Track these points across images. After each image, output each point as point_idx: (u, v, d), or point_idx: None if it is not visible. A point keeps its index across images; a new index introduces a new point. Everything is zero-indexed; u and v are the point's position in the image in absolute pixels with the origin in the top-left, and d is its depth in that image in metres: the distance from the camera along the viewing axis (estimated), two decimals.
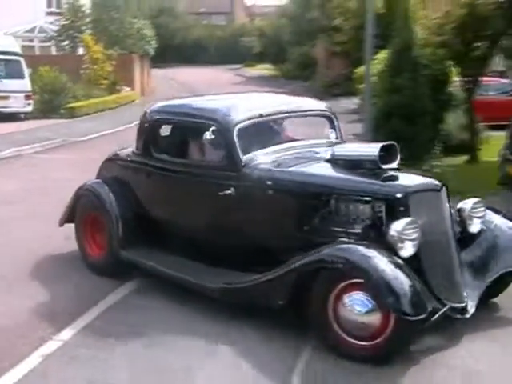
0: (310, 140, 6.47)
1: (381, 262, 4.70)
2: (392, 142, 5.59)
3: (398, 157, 5.50)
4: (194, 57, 58.70)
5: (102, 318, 5.58)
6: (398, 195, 5.12)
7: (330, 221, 5.39)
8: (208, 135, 5.79)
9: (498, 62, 24.48)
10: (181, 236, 6.27)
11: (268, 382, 4.53)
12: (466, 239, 5.46)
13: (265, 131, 6.31)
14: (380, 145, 5.44)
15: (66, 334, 5.21)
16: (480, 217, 5.57)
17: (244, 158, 5.72)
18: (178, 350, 4.95)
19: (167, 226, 6.43)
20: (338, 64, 31.88)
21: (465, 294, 5.02)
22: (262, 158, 5.80)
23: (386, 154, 5.37)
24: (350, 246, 5.00)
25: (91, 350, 4.92)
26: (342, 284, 4.83)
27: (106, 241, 6.60)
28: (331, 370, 4.68)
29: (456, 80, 12.74)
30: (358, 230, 5.26)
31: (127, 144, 7.10)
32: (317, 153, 6.08)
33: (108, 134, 18.43)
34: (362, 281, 4.71)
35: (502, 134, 10.15)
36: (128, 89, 28.86)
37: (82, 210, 6.94)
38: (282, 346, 4.98)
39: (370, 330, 4.77)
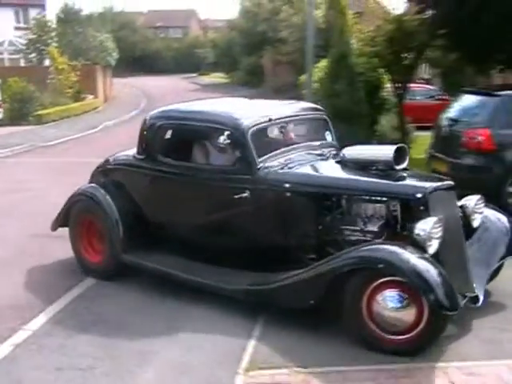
0: (311, 142, 6.13)
1: (419, 260, 4.55)
2: (402, 144, 5.48)
3: (407, 158, 5.39)
4: (154, 67, 58.69)
5: (69, 307, 5.48)
6: (419, 195, 4.95)
7: (347, 220, 5.23)
8: (223, 139, 5.45)
9: (424, 71, 25.09)
10: (189, 239, 5.82)
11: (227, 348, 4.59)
12: (468, 233, 5.34)
13: (273, 135, 6.03)
14: (394, 147, 5.27)
15: (35, 323, 5.11)
16: (481, 212, 5.52)
17: (258, 160, 5.40)
18: (140, 335, 4.89)
19: (173, 229, 5.99)
20: (284, 72, 32.10)
21: (475, 284, 4.94)
22: (275, 161, 5.50)
23: (397, 156, 5.23)
24: (386, 246, 4.80)
25: (59, 338, 4.83)
26: (377, 282, 4.64)
27: (105, 245, 6.10)
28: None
29: (388, 86, 12.91)
30: (376, 228, 5.08)
31: (92, 148, 7.03)
32: (323, 154, 5.89)
33: (73, 138, 18.23)
34: (396, 278, 4.55)
35: (428, 133, 10.30)
36: (91, 97, 28.55)
37: (77, 215, 6.34)
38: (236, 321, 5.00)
39: (404, 325, 4.61)
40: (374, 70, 12.26)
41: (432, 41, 12.48)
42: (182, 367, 4.41)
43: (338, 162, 5.65)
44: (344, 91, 10.83)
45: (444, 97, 17.78)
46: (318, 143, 6.11)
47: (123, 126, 20.83)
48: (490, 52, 11.26)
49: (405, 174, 5.35)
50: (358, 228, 5.18)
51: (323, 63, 13.22)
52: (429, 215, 4.86)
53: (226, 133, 5.46)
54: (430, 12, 12.56)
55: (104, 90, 32.15)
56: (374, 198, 5.17)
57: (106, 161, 6.70)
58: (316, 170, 5.61)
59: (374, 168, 5.36)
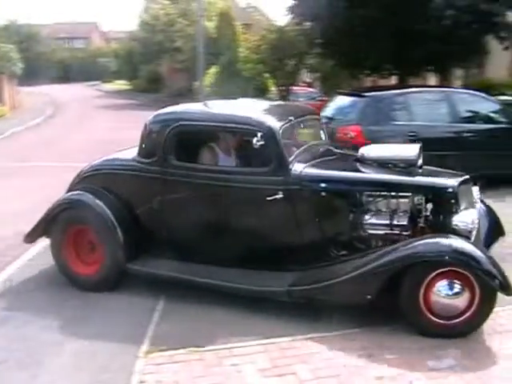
0: (313, 142, 5.81)
1: (476, 250, 4.50)
2: (415, 145, 5.31)
3: (421, 156, 5.25)
4: (59, 75, 57.21)
5: None
6: (450, 189, 4.92)
7: (377, 216, 5.01)
8: (256, 140, 4.92)
9: (306, 75, 25.62)
10: (207, 243, 5.24)
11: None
12: None
13: (290, 135, 5.49)
14: (417, 145, 5.23)
15: None
16: (479, 201, 5.56)
17: (289, 161, 5.01)
18: (49, 327, 4.72)
19: (187, 234, 5.32)
20: (180, 78, 32.01)
21: None
22: (300, 161, 5.11)
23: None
24: (442, 238, 4.64)
25: None
26: (435, 273, 4.49)
27: (100, 256, 5.36)
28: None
29: (273, 89, 13.11)
30: (406, 222, 4.91)
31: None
32: (335, 153, 5.75)
33: None
34: (451, 269, 4.46)
35: None
36: None
37: (65, 225, 5.48)
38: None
39: (457, 310, 4.51)
40: (260, 74, 12.44)
41: (311, 49, 12.83)
42: (86, 355, 4.29)
43: (357, 161, 5.43)
44: (233, 94, 10.85)
45: (324, 98, 18.15)
46: (317, 142, 5.87)
47: (31, 132, 19.98)
48: (358, 59, 11.69)
49: (430, 170, 5.33)
50: (386, 223, 4.98)
51: (213, 69, 13.26)
52: (459, 207, 4.88)
53: (259, 134, 4.96)
54: (308, 24, 12.89)
55: (10, 98, 30.73)
56: (403, 193, 5.01)
57: (94, 166, 5.84)
58: (344, 169, 5.38)
59: (395, 166, 5.25)
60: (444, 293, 4.50)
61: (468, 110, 9.35)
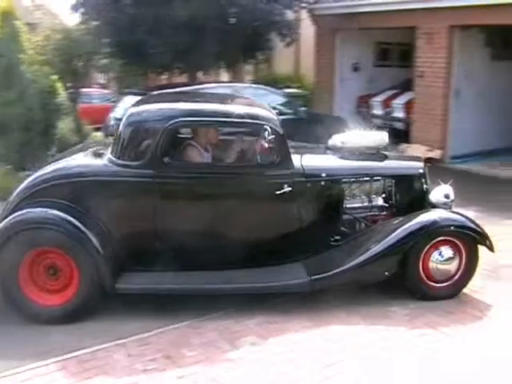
0: None
1: (467, 219, 5.21)
2: (384, 132, 5.89)
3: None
4: None
5: None
6: (421, 170, 5.63)
7: (361, 200, 5.57)
8: (268, 134, 4.87)
9: (101, 76, 24.94)
10: (212, 247, 4.94)
11: None
12: None
13: None
14: (384, 132, 5.84)
15: None
16: None
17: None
18: None
19: (181, 240, 4.91)
20: None
21: None
22: (294, 154, 5.18)
23: None
24: (437, 212, 5.23)
25: None
26: (433, 242, 5.07)
27: (75, 281, 4.68)
28: None
29: (63, 92, 12.49)
30: (384, 203, 5.63)
31: None
32: (306, 146, 6.07)
33: None
34: (444, 238, 5.08)
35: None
36: None
37: (22, 249, 4.63)
38: None
39: (449, 273, 5.17)
40: (47, 77, 11.78)
41: (99, 49, 12.44)
42: None
43: (329, 150, 5.81)
44: (17, 99, 10.14)
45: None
46: None
47: None
48: (146, 57, 11.62)
49: (397, 156, 6.18)
50: (368, 205, 5.56)
51: None
52: (427, 185, 5.58)
53: (269, 128, 4.92)
54: (95, 22, 12.53)
55: None
56: (386, 178, 5.62)
57: (48, 176, 4.97)
58: (331, 159, 5.66)
59: (369, 153, 5.73)
60: (440, 259, 5.14)
61: None
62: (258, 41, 13.48)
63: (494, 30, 11.98)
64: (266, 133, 4.91)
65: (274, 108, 9.92)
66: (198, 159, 5.23)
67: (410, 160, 6.13)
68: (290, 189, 4.99)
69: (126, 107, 9.13)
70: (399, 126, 13.23)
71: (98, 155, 5.24)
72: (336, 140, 5.80)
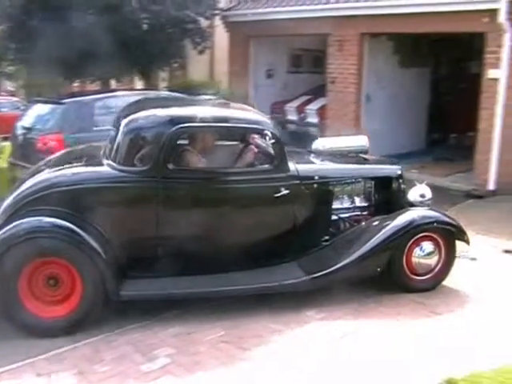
0: None
1: (446, 216, 5.66)
2: (364, 136, 6.35)
3: None
4: None
5: None
6: (399, 172, 6.05)
7: (346, 201, 5.90)
8: (268, 138, 5.12)
9: (11, 84, 24.06)
10: (213, 251, 5.04)
11: None
12: None
13: None
14: (365, 137, 6.29)
15: None
16: None
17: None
18: None
19: (185, 244, 4.95)
20: None
21: None
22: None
23: None
24: (419, 210, 5.59)
25: None
26: (415, 238, 5.39)
27: (78, 290, 4.60)
28: None
29: None
30: (367, 203, 5.96)
31: None
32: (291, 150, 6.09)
33: None
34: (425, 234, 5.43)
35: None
36: None
37: (23, 259, 4.48)
38: None
39: (429, 267, 5.53)
40: None
41: (5, 55, 11.98)
42: None
43: (313, 154, 6.13)
44: None
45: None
46: None
47: None
48: (53, 64, 11.31)
49: (376, 159, 6.51)
50: (351, 206, 5.90)
51: None
52: (404, 186, 5.97)
53: (269, 133, 5.14)
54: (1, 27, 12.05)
55: None
56: (366, 179, 5.97)
57: (45, 184, 4.82)
58: (320, 162, 6.00)
59: (351, 156, 6.19)
60: (422, 254, 5.49)
61: None
62: (172, 48, 13.39)
63: (402, 38, 12.46)
64: (267, 137, 5.14)
65: None
66: (196, 165, 5.24)
67: (387, 163, 6.51)
68: (287, 191, 5.19)
69: (38, 115, 8.98)
70: (313, 131, 13.47)
71: (94, 162, 5.19)
72: (319, 144, 6.19)
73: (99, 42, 11.24)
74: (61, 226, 4.59)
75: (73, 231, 4.59)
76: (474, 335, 4.82)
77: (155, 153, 4.85)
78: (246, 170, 5.35)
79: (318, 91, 13.59)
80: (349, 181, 5.88)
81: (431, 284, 5.62)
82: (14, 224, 4.57)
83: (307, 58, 15.64)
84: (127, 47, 11.57)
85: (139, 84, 17.29)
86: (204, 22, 14.03)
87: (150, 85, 16.09)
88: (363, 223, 5.72)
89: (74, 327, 4.66)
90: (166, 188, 4.88)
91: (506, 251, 6.73)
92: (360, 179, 5.95)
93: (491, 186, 10.03)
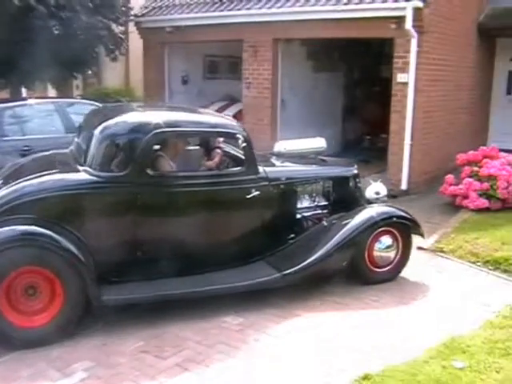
0: None
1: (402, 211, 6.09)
2: (321, 138, 6.80)
3: None
4: None
5: None
6: (355, 171, 6.55)
7: (308, 200, 6.18)
8: (241, 142, 5.40)
9: None
10: (190, 253, 5.20)
11: None
12: None
13: None
14: (321, 139, 6.76)
15: None
16: None
17: None
18: None
19: (167, 247, 5.11)
20: None
21: None
22: None
23: None
24: (379, 206, 6.05)
25: None
26: (375, 232, 5.78)
27: (59, 299, 4.58)
28: None
29: None
30: (327, 202, 6.27)
31: None
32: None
33: None
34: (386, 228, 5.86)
35: None
36: None
37: (3, 270, 4.42)
38: None
39: (388, 260, 5.97)
40: None
41: None
42: None
43: (280, 157, 6.42)
44: None
45: None
46: None
47: None
48: None
49: (334, 160, 7.02)
50: (313, 205, 6.20)
51: None
52: (360, 184, 6.47)
53: (241, 137, 5.40)
54: None
55: None
56: (325, 179, 6.30)
57: (19, 193, 4.74)
58: (284, 164, 6.26)
59: (310, 157, 6.67)
60: (382, 247, 5.90)
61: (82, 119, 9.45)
62: (85, 55, 13.09)
63: (314, 43, 12.75)
64: (240, 141, 5.40)
65: None
66: (168, 169, 5.34)
67: (344, 163, 6.96)
68: (257, 192, 5.47)
69: None
70: None
71: (70, 169, 5.17)
72: (279, 146, 6.53)
73: (5, 48, 10.89)
74: (41, 234, 4.57)
75: (52, 238, 4.58)
76: (384, 331, 5.00)
77: (133, 158, 4.95)
78: (219, 173, 5.51)
79: (235, 97, 13.68)
80: (311, 181, 6.21)
81: (391, 275, 6.04)
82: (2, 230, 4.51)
83: (223, 63, 15.71)
84: (37, 54, 11.22)
85: (52, 92, 16.83)
86: (117, 29, 13.81)
87: (64, 93, 15.70)
88: (324, 221, 6.03)
89: (57, 334, 4.65)
90: (144, 193, 4.99)
91: (419, 248, 7.03)
92: (321, 179, 6.29)
93: (404, 186, 10.44)
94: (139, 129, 5.08)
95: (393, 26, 10.08)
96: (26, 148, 8.34)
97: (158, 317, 5.09)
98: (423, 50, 10.16)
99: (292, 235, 5.93)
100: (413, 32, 9.88)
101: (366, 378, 4.13)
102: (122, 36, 14.16)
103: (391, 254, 6.00)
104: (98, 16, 12.35)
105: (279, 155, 6.43)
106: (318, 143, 6.72)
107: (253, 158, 5.53)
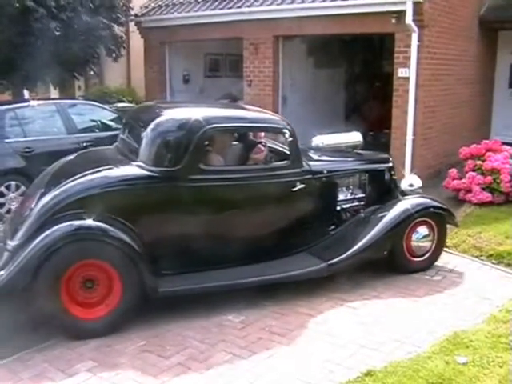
0: None
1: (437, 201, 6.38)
2: (357, 132, 6.90)
3: None
4: None
5: None
6: (390, 164, 6.69)
7: (348, 192, 6.34)
8: (287, 137, 5.56)
9: None
10: (238, 245, 5.30)
11: None
12: None
13: None
14: (359, 133, 6.81)
15: None
16: None
17: None
18: None
19: (216, 239, 5.25)
20: None
21: None
22: None
23: None
24: (416, 197, 6.29)
25: None
26: (413, 223, 5.97)
27: (116, 290, 4.75)
28: None
29: None
30: (364, 194, 6.41)
31: None
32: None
33: None
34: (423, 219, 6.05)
35: None
36: None
37: (67, 261, 4.56)
38: None
39: (425, 249, 6.16)
40: None
41: None
42: None
43: (318, 150, 6.46)
44: None
45: None
46: None
47: None
48: None
49: (370, 153, 7.03)
50: (350, 197, 6.34)
51: None
52: (395, 177, 6.66)
53: (287, 131, 5.55)
54: None
55: None
56: (363, 172, 6.45)
57: (79, 189, 4.85)
58: (324, 158, 6.30)
59: (347, 151, 6.74)
60: (419, 237, 6.09)
61: (84, 120, 9.49)
62: (86, 55, 13.09)
63: (315, 39, 12.69)
64: (287, 135, 5.57)
65: (104, 124, 9.76)
66: (217, 164, 5.62)
67: (379, 156, 7.00)
68: (302, 185, 5.60)
69: None
70: None
71: (123, 164, 5.28)
72: (318, 140, 6.59)
73: (7, 51, 10.90)
74: (98, 228, 4.69)
75: (110, 232, 4.71)
76: (388, 327, 4.98)
77: (186, 153, 5.08)
78: (266, 167, 5.67)
79: (237, 95, 13.63)
80: (349, 174, 6.36)
81: (427, 264, 6.23)
82: (55, 228, 4.61)
83: (224, 61, 15.69)
84: (38, 55, 11.22)
85: (55, 93, 16.84)
86: (118, 29, 13.81)
87: (66, 94, 15.71)
88: (362, 213, 6.29)
89: (115, 326, 4.80)
90: (196, 186, 5.14)
91: None
92: (358, 172, 6.45)
93: None
94: (192, 125, 5.21)
95: (393, 20, 10.03)
96: (27, 149, 8.35)
97: (160, 316, 5.08)
98: (424, 44, 10.12)
99: (332, 226, 6.13)
100: (413, 26, 9.82)
101: (368, 374, 4.12)
102: (123, 36, 14.16)
103: (428, 244, 6.18)
104: (99, 16, 12.34)
105: (317, 149, 6.53)
106: (355, 137, 6.83)
107: (298, 151, 5.70)
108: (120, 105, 13.32)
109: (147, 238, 4.93)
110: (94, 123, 9.64)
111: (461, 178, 9.16)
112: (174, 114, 5.53)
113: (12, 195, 8.26)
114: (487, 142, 9.67)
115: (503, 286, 5.91)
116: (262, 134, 6.03)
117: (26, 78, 11.87)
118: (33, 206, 4.91)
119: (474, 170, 9.08)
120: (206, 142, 5.25)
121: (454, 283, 5.99)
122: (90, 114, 9.77)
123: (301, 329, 4.93)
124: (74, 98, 14.26)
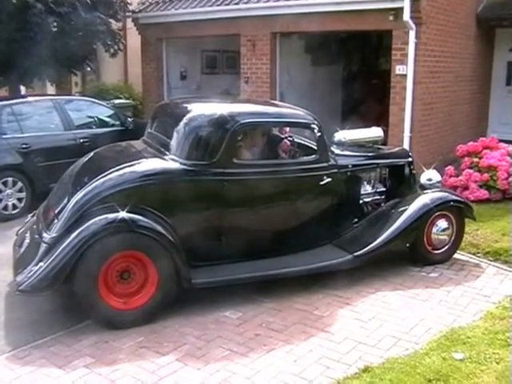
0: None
1: (456, 195, 6.68)
2: (378, 128, 6.94)
3: None
4: None
5: None
6: (410, 158, 6.85)
7: (370, 186, 6.53)
8: (316, 131, 5.68)
9: None
10: (268, 237, 5.52)
11: None
12: None
13: None
14: (380, 129, 6.87)
15: None
16: None
17: None
18: None
19: (248, 232, 5.40)
20: None
21: None
22: None
23: None
24: (432, 191, 6.38)
25: None
26: (434, 215, 6.11)
27: (153, 281, 4.84)
28: None
29: None
30: (385, 188, 6.60)
31: None
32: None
33: None
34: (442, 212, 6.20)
35: None
36: None
37: (107, 253, 4.67)
38: None
39: (445, 242, 6.30)
40: None
41: None
42: None
43: (340, 145, 6.50)
44: None
45: None
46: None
47: None
48: None
49: (390, 147, 7.49)
50: (372, 191, 6.53)
51: None
52: (415, 171, 6.77)
53: (315, 126, 5.69)
54: None
55: None
56: (384, 167, 6.63)
57: (118, 183, 4.92)
58: (347, 153, 6.39)
59: (368, 146, 6.75)
60: (439, 230, 6.23)
61: (81, 116, 9.47)
62: (83, 51, 13.05)
63: (312, 36, 12.69)
64: (315, 131, 5.69)
65: (101, 120, 9.74)
66: (250, 158, 5.75)
67: (399, 151, 7.28)
68: (329, 179, 5.73)
69: None
70: None
71: (156, 157, 5.37)
72: (340, 136, 6.66)
73: (3, 46, 10.86)
74: (137, 220, 4.75)
75: (146, 223, 4.77)
76: (385, 324, 4.98)
77: (220, 147, 5.17)
78: (295, 161, 5.80)
79: (234, 92, 13.61)
80: (372, 168, 6.53)
81: (446, 257, 6.39)
82: (93, 221, 4.68)
83: (222, 58, 15.67)
84: (35, 51, 11.18)
85: (51, 89, 16.81)
86: (115, 25, 13.77)
87: (63, 90, 15.68)
88: (383, 206, 6.45)
89: (150, 317, 4.90)
90: (230, 180, 5.21)
91: None
92: (379, 166, 6.60)
93: None
94: (225, 120, 5.30)
95: (391, 17, 10.05)
96: (24, 146, 8.33)
97: (157, 312, 5.07)
98: (421, 41, 10.12)
99: (355, 219, 6.26)
100: (411, 24, 9.82)
101: (366, 370, 4.13)
102: (120, 32, 14.12)
103: (447, 237, 6.32)
104: (96, 12, 12.30)
105: (339, 144, 6.58)
106: (376, 133, 6.91)
107: (325, 146, 5.84)
108: (117, 101, 13.30)
109: (181, 230, 5.00)
110: (91, 119, 9.62)
111: (458, 176, 9.18)
112: (206, 110, 5.59)
113: (9, 191, 8.23)
114: (484, 139, 9.69)
115: (500, 283, 5.93)
116: (287, 128, 6.15)
117: (22, 74, 11.83)
118: (66, 200, 5.00)
119: (470, 168, 9.10)
120: (239, 137, 5.39)
121: (450, 280, 6.00)
122: (87, 110, 9.74)
123: (298, 325, 4.94)
124: (70, 95, 14.23)
